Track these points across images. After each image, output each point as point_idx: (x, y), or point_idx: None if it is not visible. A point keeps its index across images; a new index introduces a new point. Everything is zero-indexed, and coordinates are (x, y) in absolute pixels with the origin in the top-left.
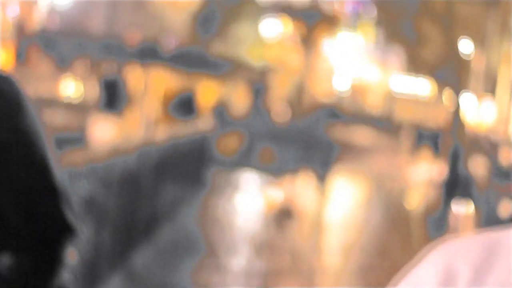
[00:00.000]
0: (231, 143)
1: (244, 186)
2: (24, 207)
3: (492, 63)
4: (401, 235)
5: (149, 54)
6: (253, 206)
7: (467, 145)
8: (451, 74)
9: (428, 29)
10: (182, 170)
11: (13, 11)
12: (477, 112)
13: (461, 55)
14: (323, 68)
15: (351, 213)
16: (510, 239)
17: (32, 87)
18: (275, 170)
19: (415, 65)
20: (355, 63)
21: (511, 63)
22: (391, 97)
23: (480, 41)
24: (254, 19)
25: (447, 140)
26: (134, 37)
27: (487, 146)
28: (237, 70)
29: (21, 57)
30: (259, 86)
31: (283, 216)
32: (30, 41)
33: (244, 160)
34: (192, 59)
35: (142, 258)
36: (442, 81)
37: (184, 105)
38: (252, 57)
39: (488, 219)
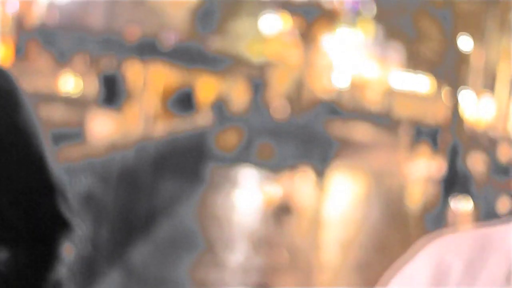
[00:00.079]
0: (230, 139)
1: (243, 182)
2: (20, 202)
3: (491, 59)
4: (400, 232)
5: (148, 49)
6: (252, 202)
7: (466, 142)
8: (450, 70)
9: (428, 25)
10: (181, 166)
11: (13, 6)
12: (476, 108)
13: (460, 52)
14: (322, 64)
15: (350, 209)
16: (503, 234)
17: (31, 82)
18: (273, 166)
19: (414, 62)
20: (354, 59)
21: (510, 59)
22: (390, 93)
23: (479, 37)
24: (254, 15)
25: (446, 136)
26: (133, 32)
27: (486, 143)
28: (237, 66)
29: (20, 52)
30: (258, 82)
31: (281, 212)
32: (30, 36)
33: (243, 156)
34: (192, 55)
35: (140, 253)
36: (441, 78)
37: (183, 101)
38: (252, 53)
39: (487, 216)
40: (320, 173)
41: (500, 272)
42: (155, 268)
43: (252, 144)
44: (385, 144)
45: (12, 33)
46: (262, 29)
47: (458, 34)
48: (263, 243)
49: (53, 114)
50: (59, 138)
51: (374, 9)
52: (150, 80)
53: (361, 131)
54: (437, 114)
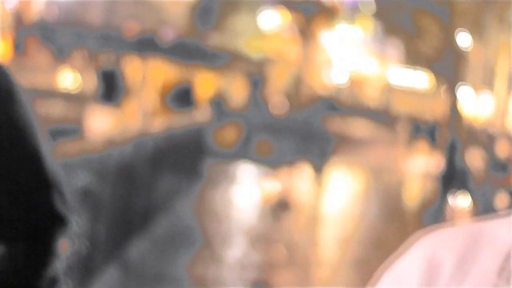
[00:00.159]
0: (228, 135)
1: (241, 178)
2: (16, 198)
3: (490, 56)
4: (398, 228)
5: (147, 45)
6: (250, 198)
7: (465, 138)
8: (449, 66)
9: (426, 22)
10: (179, 162)
11: (12, 2)
12: (475, 104)
13: (459, 48)
14: (321, 60)
15: (348, 206)
16: (495, 229)
17: (30, 78)
18: (272, 162)
19: (413, 58)
20: (353, 56)
21: (509, 56)
22: (389, 90)
23: (478, 34)
24: (252, 11)
25: (444, 132)
26: (132, 28)
27: (485, 139)
28: (235, 62)
29: (19, 48)
30: (257, 78)
31: (280, 208)
32: (28, 32)
33: (241, 152)
34: (190, 51)
35: (138, 249)
36: (440, 74)
37: (182, 97)
38: (250, 49)
39: (485, 212)
40: (319, 169)
41: (491, 267)
42: (153, 264)
43: (250, 140)
44: (383, 140)
45: (11, 29)
46: (261, 25)
47: (457, 31)
48: (261, 239)
49: (51, 110)
50: (58, 134)
51: (373, 6)
52: (148, 76)
53: (359, 127)
54: (435, 110)
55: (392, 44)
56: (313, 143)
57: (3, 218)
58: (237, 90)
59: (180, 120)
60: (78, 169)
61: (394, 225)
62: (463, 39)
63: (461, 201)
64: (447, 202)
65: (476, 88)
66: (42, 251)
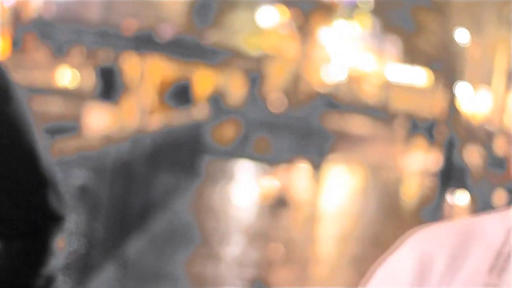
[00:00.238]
0: (226, 132)
1: (239, 176)
2: (12, 195)
3: (488, 53)
4: (396, 225)
5: (145, 42)
6: (248, 196)
7: (463, 135)
8: (447, 63)
9: (425, 18)
10: (177, 159)
11: None
12: (473, 101)
13: (457, 45)
14: (319, 57)
15: (346, 203)
16: (486, 226)
17: (28, 75)
18: (270, 159)
19: (411, 55)
20: (351, 52)
21: (507, 53)
22: (387, 86)
23: (476, 31)
24: (250, 8)
25: (442, 129)
26: (130, 25)
27: (483, 136)
28: (233, 59)
29: (17, 45)
30: (255, 75)
31: (278, 205)
32: (27, 29)
33: (239, 149)
34: (189, 48)
35: (136, 247)
36: (438, 71)
37: (180, 94)
38: (249, 46)
39: (483, 209)
40: (317, 167)
41: (483, 264)
42: (151, 262)
43: (248, 138)
44: (381, 137)
45: (9, 26)
46: (259, 22)
47: (455, 27)
48: (259, 236)
49: (49, 107)
50: (56, 131)
51: (371, 2)
52: (147, 73)
53: (357, 124)
54: (433, 107)
55: (390, 41)
56: (311, 140)
57: (0, 217)
58: (235, 87)
59: (178, 117)
60: (75, 166)
61: (392, 223)
62: (461, 36)
63: (459, 198)
64: (445, 199)
65: (474, 85)
66: (39, 249)
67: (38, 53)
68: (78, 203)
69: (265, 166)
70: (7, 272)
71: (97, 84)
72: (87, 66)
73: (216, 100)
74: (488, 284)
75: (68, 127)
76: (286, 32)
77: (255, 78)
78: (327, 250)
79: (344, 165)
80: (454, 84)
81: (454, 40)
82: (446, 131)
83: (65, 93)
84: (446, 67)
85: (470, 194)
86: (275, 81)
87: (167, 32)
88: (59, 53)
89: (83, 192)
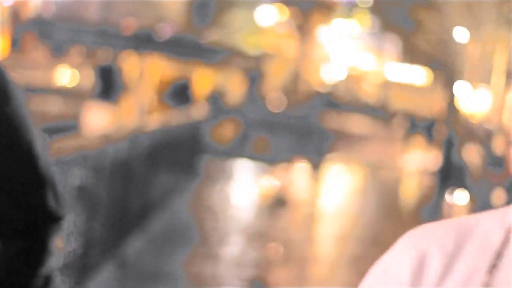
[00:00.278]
0: (226, 132)
1: (238, 175)
2: (10, 195)
3: (487, 52)
4: (395, 225)
5: (144, 42)
6: (247, 195)
7: (462, 134)
8: (446, 62)
9: (424, 17)
10: (176, 158)
11: None
12: (472, 100)
13: (456, 44)
14: (318, 56)
15: (345, 202)
16: (484, 225)
17: (27, 75)
18: (269, 159)
19: (410, 54)
20: (350, 51)
21: (507, 51)
22: (386, 85)
23: (475, 29)
24: (250, 6)
25: (441, 128)
26: (129, 24)
27: (482, 135)
28: (233, 58)
29: (16, 44)
30: (254, 74)
31: (277, 205)
32: (26, 28)
33: (238, 149)
34: (188, 47)
35: (135, 247)
36: (437, 70)
37: (180, 93)
38: (248, 45)
39: (483, 208)
40: (316, 166)
41: (481, 263)
42: (150, 262)
43: (248, 137)
44: (380, 136)
45: (8, 25)
46: (258, 21)
47: (454, 26)
48: (258, 236)
49: (48, 106)
50: (55, 130)
51: (370, 1)
52: (146, 73)
53: (357, 124)
54: (432, 106)
55: (390, 39)
56: (310, 140)
57: None
58: (234, 87)
59: (177, 117)
60: (74, 166)
61: (391, 222)
62: (461, 35)
63: (458, 197)
64: (445, 199)
65: (474, 84)
66: (37, 249)
67: (37, 53)
68: (77, 202)
69: (264, 165)
70: (5, 272)
71: (96, 84)
72: (86, 66)
73: (215, 99)
74: (487, 284)
75: (67, 127)
76: (285, 31)
77: (254, 77)
78: (326, 249)
79: (343, 164)
80: (453, 83)
81: (453, 39)
82: (445, 130)
83: (64, 93)
84: (445, 66)
85: (469, 193)
86: (274, 80)
87: (166, 31)
88: (58, 53)
89: (82, 191)
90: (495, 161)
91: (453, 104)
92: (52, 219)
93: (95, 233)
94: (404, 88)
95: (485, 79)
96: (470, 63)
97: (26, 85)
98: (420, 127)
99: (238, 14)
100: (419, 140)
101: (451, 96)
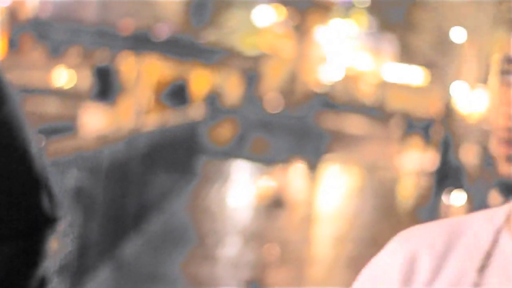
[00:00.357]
0: (223, 132)
1: (235, 176)
2: (4, 197)
3: (484, 51)
4: (392, 225)
5: (142, 42)
6: (245, 196)
7: (459, 134)
8: (444, 63)
9: (421, 17)
10: (173, 159)
11: None
12: (469, 100)
13: (454, 44)
14: (315, 56)
15: (342, 203)
16: (474, 226)
17: (24, 75)
18: (266, 160)
19: (407, 54)
20: (347, 51)
21: (504, 51)
22: (383, 86)
23: (472, 29)
24: (247, 7)
25: (438, 128)
26: (127, 25)
27: (479, 135)
28: (230, 58)
29: (14, 45)
30: (252, 75)
31: (274, 206)
32: (23, 29)
33: (235, 149)
34: (185, 48)
35: (132, 248)
36: (434, 70)
37: (177, 94)
38: (245, 45)
39: (480, 208)
40: (313, 166)
41: (471, 263)
42: (147, 263)
43: (245, 137)
44: (378, 136)
45: (6, 26)
46: (256, 21)
47: (451, 26)
48: (255, 237)
49: (46, 107)
50: (52, 131)
51: (367, 1)
52: (143, 73)
53: (354, 124)
54: (430, 106)
55: (387, 39)
56: (307, 140)
57: None
58: (232, 87)
59: (174, 117)
60: (71, 167)
61: (388, 223)
62: (458, 35)
63: (455, 197)
64: (442, 199)
65: (471, 84)
66: (33, 250)
67: (35, 53)
68: (74, 203)
69: (262, 166)
70: (1, 274)
71: (93, 84)
72: (84, 66)
73: (213, 99)
74: (477, 284)
75: (64, 127)
76: (282, 31)
77: (251, 77)
78: (324, 250)
79: (340, 164)
80: (450, 83)
81: (450, 39)
82: (442, 131)
83: (61, 93)
84: (442, 66)
85: (467, 194)
86: (272, 81)
87: (163, 31)
88: (56, 53)
89: (79, 192)
90: (492, 161)
91: (450, 104)
92: (48, 221)
93: (92, 234)
94: (401, 88)
95: (482, 79)
96: (467, 64)
97: (23, 85)
98: (417, 127)
99: (235, 15)
100: (416, 141)
101: (448, 97)
